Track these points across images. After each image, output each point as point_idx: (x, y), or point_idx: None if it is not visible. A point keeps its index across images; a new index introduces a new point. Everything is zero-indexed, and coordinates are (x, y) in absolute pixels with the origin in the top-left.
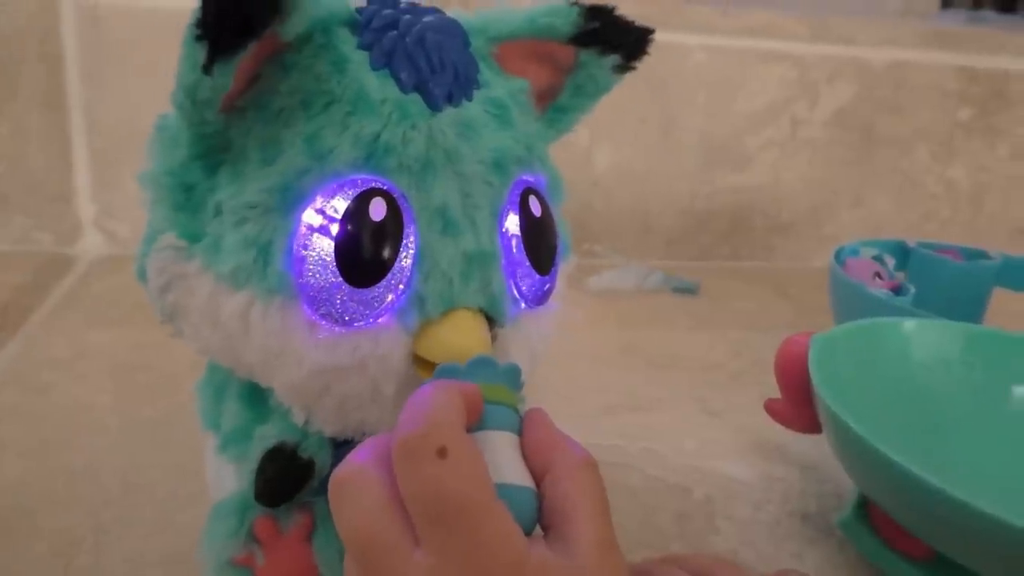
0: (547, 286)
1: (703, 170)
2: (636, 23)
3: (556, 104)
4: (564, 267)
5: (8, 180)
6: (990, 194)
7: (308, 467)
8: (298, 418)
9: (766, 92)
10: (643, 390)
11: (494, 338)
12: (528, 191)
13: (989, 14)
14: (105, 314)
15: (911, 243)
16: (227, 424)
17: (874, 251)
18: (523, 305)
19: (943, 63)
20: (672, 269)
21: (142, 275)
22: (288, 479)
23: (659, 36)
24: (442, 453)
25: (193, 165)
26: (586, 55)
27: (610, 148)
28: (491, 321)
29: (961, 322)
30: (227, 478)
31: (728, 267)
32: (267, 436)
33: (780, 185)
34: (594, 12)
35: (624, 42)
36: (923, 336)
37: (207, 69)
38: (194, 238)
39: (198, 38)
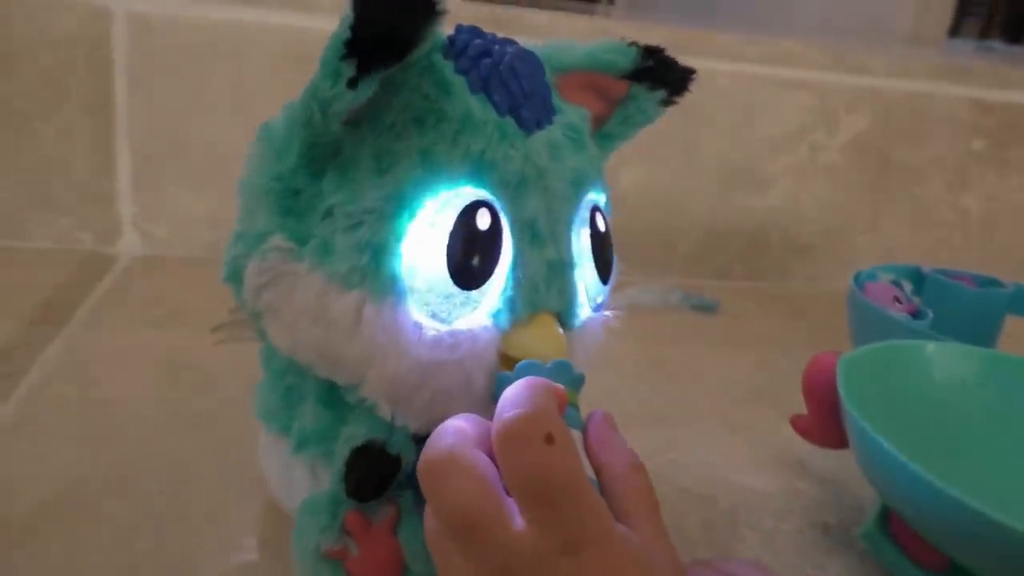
0: (605, 294)
1: (723, 192)
2: (681, 64)
3: (604, 131)
4: (615, 279)
5: (52, 182)
6: (1002, 223)
7: (396, 463)
8: (385, 414)
9: (786, 118)
10: (666, 404)
11: (570, 341)
12: (596, 208)
13: (997, 44)
14: (146, 313)
15: (926, 269)
16: (305, 425)
17: (892, 276)
18: (588, 311)
19: (957, 95)
20: (692, 287)
21: (234, 276)
22: (379, 475)
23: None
24: (549, 439)
25: (302, 171)
26: (637, 89)
27: (635, 168)
28: (563, 323)
29: (975, 346)
30: (301, 477)
31: (746, 287)
32: (355, 435)
33: (798, 208)
34: (649, 52)
35: (672, 79)
36: (942, 359)
37: (353, 84)
38: (302, 240)
39: (346, 55)
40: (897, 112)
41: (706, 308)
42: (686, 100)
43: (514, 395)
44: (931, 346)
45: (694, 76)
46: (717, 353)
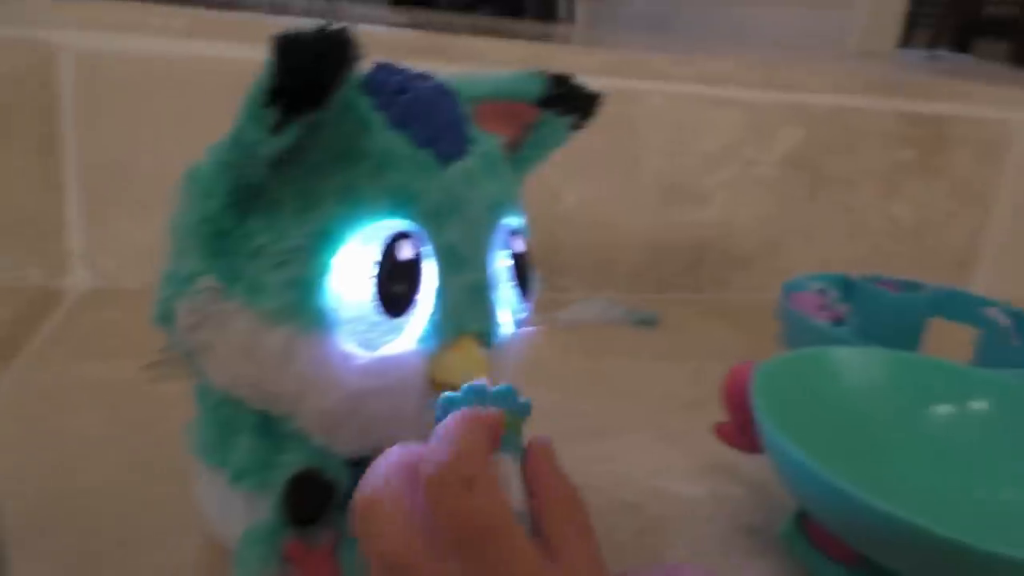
0: (526, 313)
1: (662, 208)
2: (590, 90)
3: (519, 155)
4: (534, 297)
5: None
6: (930, 229)
7: (332, 488)
8: (319, 442)
9: (721, 135)
10: (605, 417)
11: (492, 360)
12: (513, 231)
13: (944, 53)
14: (96, 346)
15: (854, 276)
16: (241, 457)
17: (819, 284)
18: (509, 329)
19: (885, 108)
20: (634, 302)
21: (165, 317)
22: (316, 502)
23: (622, 83)
24: (470, 484)
25: (229, 213)
26: (548, 115)
27: (577, 187)
28: (486, 342)
29: (888, 349)
30: (239, 509)
31: (686, 299)
32: (290, 464)
33: (735, 222)
34: (559, 79)
35: (580, 105)
36: (855, 362)
37: (277, 130)
38: (232, 279)
39: (269, 103)
40: (827, 126)
41: (646, 322)
42: (623, 120)
43: (444, 433)
44: (844, 351)
45: (601, 101)
46: (657, 365)
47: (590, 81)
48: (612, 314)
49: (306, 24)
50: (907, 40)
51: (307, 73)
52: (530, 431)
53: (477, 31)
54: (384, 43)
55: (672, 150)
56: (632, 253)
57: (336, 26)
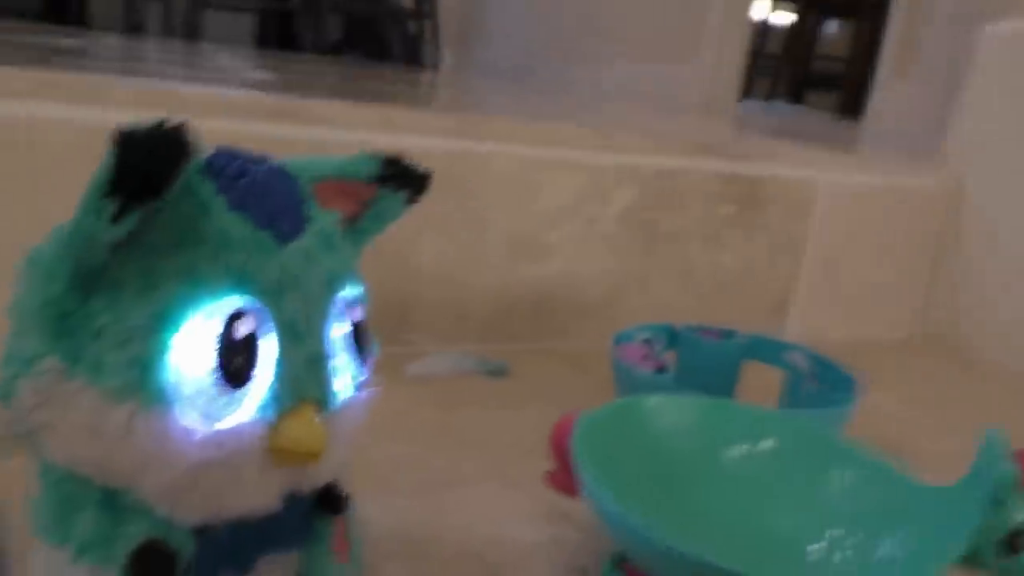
0: (364, 378)
1: (510, 263)
2: (420, 169)
3: (358, 228)
4: (372, 361)
5: None
6: (751, 277)
7: (176, 557)
8: (162, 513)
9: (563, 194)
10: (454, 468)
11: (329, 425)
12: (350, 302)
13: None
14: None
15: (678, 326)
16: (83, 532)
17: (646, 335)
18: (348, 393)
19: (708, 168)
20: (485, 352)
21: (5, 397)
22: (160, 572)
23: (470, 145)
24: None
25: (71, 294)
26: (383, 191)
27: (428, 244)
28: (323, 408)
29: (695, 396)
30: None
31: (534, 348)
32: (134, 535)
33: (578, 274)
34: (390, 161)
35: (412, 183)
36: (666, 409)
37: (117, 220)
38: (75, 359)
39: (108, 194)
40: (658, 185)
41: (497, 372)
42: (469, 181)
43: None
44: (655, 400)
45: (430, 179)
46: (504, 414)
47: (441, 143)
48: (464, 365)
49: (145, 119)
50: (748, 91)
51: (144, 168)
52: (380, 482)
53: (334, 92)
54: (240, 106)
55: (518, 208)
56: (482, 306)
57: (173, 121)
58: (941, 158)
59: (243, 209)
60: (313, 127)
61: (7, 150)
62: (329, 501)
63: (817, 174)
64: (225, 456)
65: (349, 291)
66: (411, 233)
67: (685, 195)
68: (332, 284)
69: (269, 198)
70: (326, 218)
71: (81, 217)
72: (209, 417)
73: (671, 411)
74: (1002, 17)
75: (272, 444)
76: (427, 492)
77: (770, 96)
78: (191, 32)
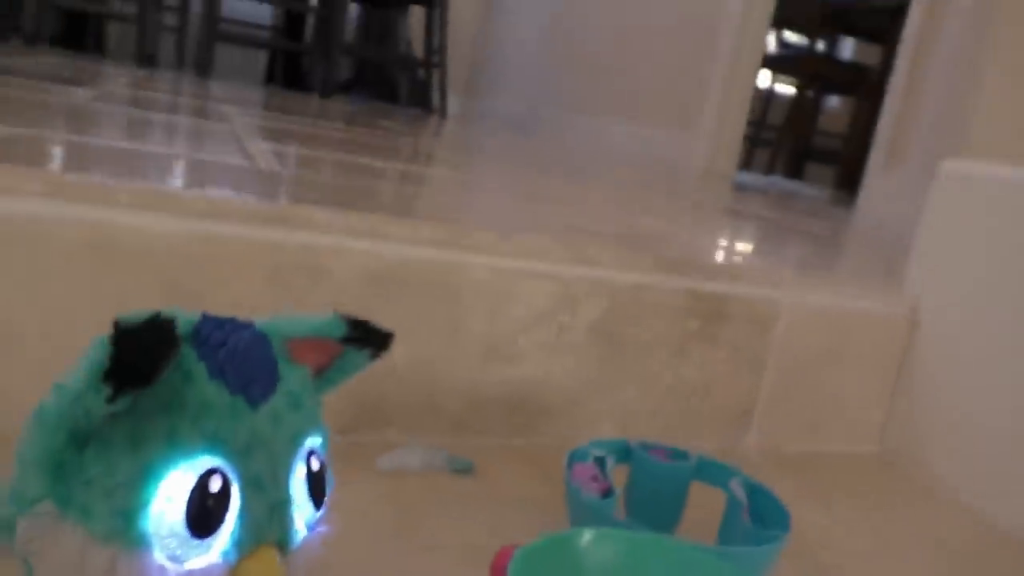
0: (320, 516)
1: (483, 365)
2: (382, 329)
3: (326, 376)
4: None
5: None
6: (715, 387)
7: None
8: None
9: (535, 303)
10: (412, 570)
11: (287, 563)
12: (311, 452)
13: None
14: None
15: (633, 443)
16: None
17: (600, 451)
18: (304, 533)
19: (675, 286)
20: (455, 445)
21: (7, 529)
22: None
23: (448, 255)
24: None
25: (68, 448)
26: (349, 348)
27: (406, 346)
28: (283, 548)
29: (635, 528)
30: None
31: (502, 446)
32: None
33: (548, 379)
34: (356, 324)
35: (375, 343)
36: (600, 545)
37: (112, 400)
38: (67, 503)
39: (105, 379)
40: (624, 299)
41: (463, 470)
42: (449, 288)
43: None
44: (588, 534)
45: (392, 339)
46: (465, 517)
47: (423, 252)
48: (434, 460)
49: (140, 313)
50: (748, 162)
51: (138, 363)
52: None
53: (322, 201)
54: (233, 212)
55: (492, 315)
56: (454, 404)
57: (165, 315)
58: (902, 281)
59: (221, 376)
60: (302, 232)
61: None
62: None
63: (780, 294)
64: None
65: (311, 441)
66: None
67: (651, 309)
68: (296, 439)
69: (246, 365)
70: (296, 375)
71: (81, 392)
72: (180, 560)
73: (604, 547)
74: (961, 153)
75: None
76: None
77: (770, 168)
78: (202, 67)
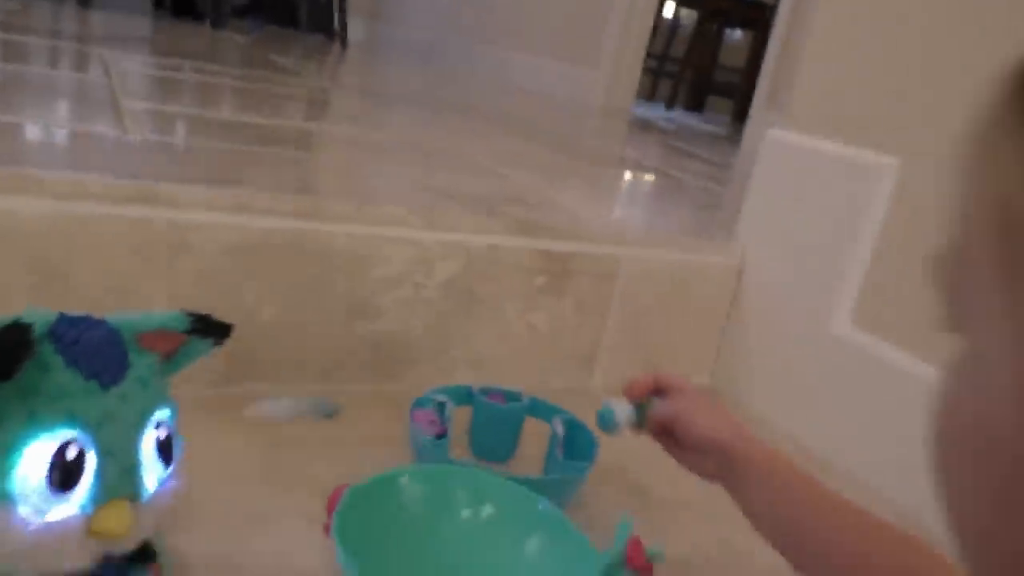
0: (169, 474)
1: (348, 321)
2: (223, 322)
3: (174, 360)
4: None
5: None
6: (561, 335)
7: None
8: (9, 570)
9: (394, 265)
10: (271, 506)
11: (137, 511)
12: (159, 423)
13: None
14: None
15: (475, 389)
16: None
17: (443, 397)
18: (153, 488)
19: (525, 245)
20: (319, 394)
21: None
22: None
23: (316, 225)
24: None
25: None
26: (193, 338)
27: (273, 308)
28: (135, 500)
29: (438, 466)
30: None
31: (364, 391)
32: None
33: (408, 332)
34: (199, 317)
35: (215, 332)
36: (418, 480)
37: None
38: None
39: None
40: (479, 259)
41: (328, 413)
42: (317, 253)
43: None
44: (409, 470)
45: (232, 331)
46: (325, 455)
47: (285, 223)
48: (299, 406)
49: (1, 319)
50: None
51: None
52: (209, 518)
53: (191, 177)
54: (103, 193)
55: (356, 277)
56: (320, 357)
57: (24, 320)
58: (733, 235)
59: (75, 365)
60: (171, 210)
61: None
62: (142, 554)
63: (621, 252)
64: (53, 538)
65: (159, 415)
66: (257, 294)
67: (503, 267)
68: (144, 413)
69: (97, 355)
70: (144, 362)
71: None
72: (43, 511)
73: (421, 481)
74: (784, 123)
75: (90, 527)
76: (240, 527)
77: (671, 100)
78: None
